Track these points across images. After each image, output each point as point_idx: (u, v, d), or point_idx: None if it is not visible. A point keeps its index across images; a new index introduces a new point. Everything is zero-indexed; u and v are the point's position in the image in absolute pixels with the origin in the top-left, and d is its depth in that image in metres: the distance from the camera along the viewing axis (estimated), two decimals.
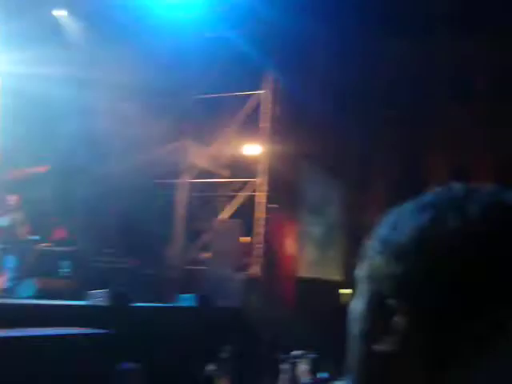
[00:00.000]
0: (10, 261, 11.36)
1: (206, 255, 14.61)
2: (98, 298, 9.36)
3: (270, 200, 14.76)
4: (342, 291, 17.60)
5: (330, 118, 15.95)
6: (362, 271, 0.90)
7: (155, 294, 12.15)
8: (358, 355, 0.87)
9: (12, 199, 11.51)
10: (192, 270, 14.49)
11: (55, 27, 13.13)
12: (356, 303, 0.90)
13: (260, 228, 14.54)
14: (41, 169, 14.35)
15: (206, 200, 15.45)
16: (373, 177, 19.63)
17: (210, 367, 8.60)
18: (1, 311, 7.97)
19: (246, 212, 14.95)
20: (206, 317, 10.42)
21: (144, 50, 12.50)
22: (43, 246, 12.39)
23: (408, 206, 0.88)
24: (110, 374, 7.36)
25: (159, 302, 11.73)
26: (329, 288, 16.89)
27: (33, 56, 11.54)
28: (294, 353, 10.55)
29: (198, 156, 14.98)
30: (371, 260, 0.88)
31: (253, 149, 15.28)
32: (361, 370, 0.87)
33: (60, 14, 13.01)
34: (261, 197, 14.66)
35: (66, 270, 12.23)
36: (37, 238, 12.31)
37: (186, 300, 11.60)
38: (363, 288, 0.89)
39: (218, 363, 8.86)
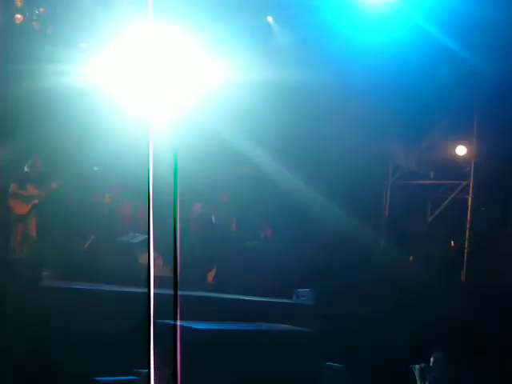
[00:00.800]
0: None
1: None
2: (302, 296, 9.43)
3: (477, 202, 14.04)
4: None
5: None
6: None
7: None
8: None
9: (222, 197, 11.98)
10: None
11: (264, 32, 13.42)
12: None
13: (468, 231, 13.88)
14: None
15: (414, 202, 15.00)
16: None
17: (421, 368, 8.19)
18: (208, 304, 8.31)
19: (451, 215, 14.37)
20: None
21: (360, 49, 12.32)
22: (252, 243, 12.74)
23: None
24: (315, 372, 7.36)
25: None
26: None
27: (245, 61, 11.92)
28: None
29: (406, 156, 14.66)
30: None
31: (461, 149, 14.64)
32: None
33: (268, 19, 13.26)
34: (469, 199, 13.99)
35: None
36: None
37: None
38: None
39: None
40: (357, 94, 12.98)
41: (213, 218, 11.78)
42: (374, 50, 12.14)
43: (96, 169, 12.42)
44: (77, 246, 11.96)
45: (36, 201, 10.77)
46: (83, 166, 12.20)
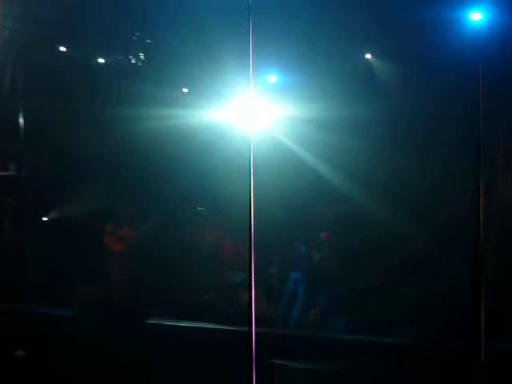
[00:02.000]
0: (321, 295, 11.76)
1: None
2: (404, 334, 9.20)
3: None
4: None
5: None
6: None
7: None
8: None
9: (323, 236, 11.92)
10: None
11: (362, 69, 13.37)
12: None
13: None
14: None
15: None
16: None
17: None
18: (310, 343, 8.25)
19: None
20: None
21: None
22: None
23: None
24: None
25: None
26: None
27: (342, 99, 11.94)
28: None
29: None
30: None
31: None
32: None
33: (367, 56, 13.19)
34: None
35: (373, 305, 12.26)
36: None
37: None
38: None
39: None
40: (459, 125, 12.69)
41: (314, 257, 11.73)
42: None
43: (200, 208, 12.68)
44: (180, 285, 12.19)
45: (130, 239, 11.15)
46: (187, 204, 12.53)
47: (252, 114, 8.61)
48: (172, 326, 7.85)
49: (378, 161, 12.44)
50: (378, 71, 13.29)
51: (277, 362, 6.34)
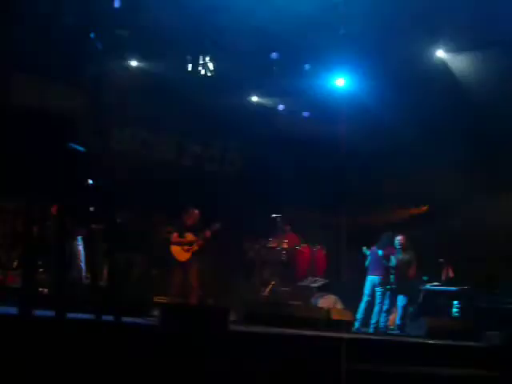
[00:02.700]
0: (401, 300, 11.65)
1: None
2: (491, 339, 8.98)
3: None
4: None
5: None
6: None
7: None
8: None
9: (399, 239, 11.78)
10: None
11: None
12: None
13: None
14: (423, 209, 14.61)
15: None
16: None
17: None
18: (391, 348, 8.14)
19: None
20: None
21: None
22: (432, 285, 12.45)
23: None
24: None
25: None
26: None
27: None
28: None
29: None
30: None
31: None
32: None
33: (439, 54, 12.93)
34: None
35: (455, 310, 12.05)
36: (426, 277, 12.46)
37: None
38: None
39: None
40: None
41: (392, 260, 11.60)
42: None
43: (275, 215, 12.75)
44: (257, 291, 12.27)
45: (196, 248, 11.28)
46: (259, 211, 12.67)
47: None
48: (252, 332, 7.87)
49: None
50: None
51: (360, 366, 6.27)
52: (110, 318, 4.48)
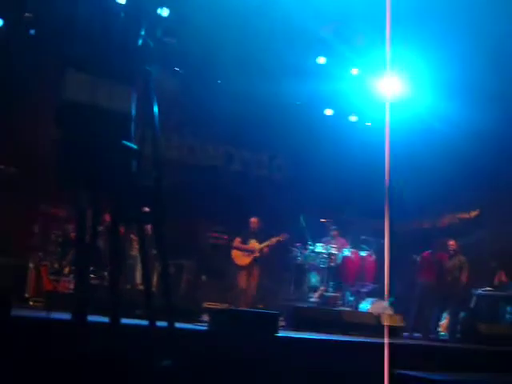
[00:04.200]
0: (452, 305, 11.52)
1: None
2: None
3: None
4: None
5: None
6: None
7: None
8: None
9: (451, 244, 11.67)
10: None
11: None
12: None
13: None
14: (473, 213, 14.40)
15: None
16: None
17: None
18: (443, 354, 8.06)
19: None
20: None
21: None
22: (485, 290, 12.26)
23: None
24: None
25: None
26: None
27: None
28: None
29: None
30: None
31: None
32: None
33: None
34: None
35: (510, 316, 11.85)
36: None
37: None
38: None
39: None
40: None
41: (444, 265, 11.49)
42: None
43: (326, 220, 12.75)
44: (306, 296, 12.26)
45: (257, 254, 11.42)
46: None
47: None
48: (302, 338, 7.88)
49: None
50: None
51: (409, 373, 6.22)
52: (163, 323, 4.54)
